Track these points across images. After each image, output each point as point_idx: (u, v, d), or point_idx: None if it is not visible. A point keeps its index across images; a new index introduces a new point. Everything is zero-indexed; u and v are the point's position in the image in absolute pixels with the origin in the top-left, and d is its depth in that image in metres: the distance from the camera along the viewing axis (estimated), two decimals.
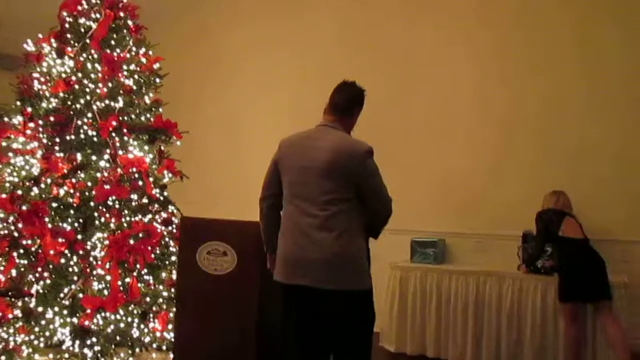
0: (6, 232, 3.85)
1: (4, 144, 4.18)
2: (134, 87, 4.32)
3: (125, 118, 4.23)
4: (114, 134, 4.10)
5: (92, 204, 3.93)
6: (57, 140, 4.07)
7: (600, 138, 4.76)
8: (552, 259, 4.34)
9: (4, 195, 3.92)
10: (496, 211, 5.02)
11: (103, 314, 3.76)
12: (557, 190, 4.33)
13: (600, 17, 4.86)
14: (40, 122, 4.11)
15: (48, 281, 3.81)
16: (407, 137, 5.42)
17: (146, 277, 4.13)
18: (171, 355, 3.58)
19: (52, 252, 3.73)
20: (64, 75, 4.14)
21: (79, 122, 4.11)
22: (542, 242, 4.24)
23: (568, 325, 4.06)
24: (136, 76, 4.35)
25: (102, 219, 3.96)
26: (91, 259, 3.90)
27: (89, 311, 3.69)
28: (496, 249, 4.96)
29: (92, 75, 4.16)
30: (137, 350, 3.96)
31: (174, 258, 4.15)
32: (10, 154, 4.15)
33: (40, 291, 3.77)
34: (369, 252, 2.63)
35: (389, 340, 4.66)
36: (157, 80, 4.50)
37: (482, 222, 5.08)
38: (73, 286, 3.84)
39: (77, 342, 3.68)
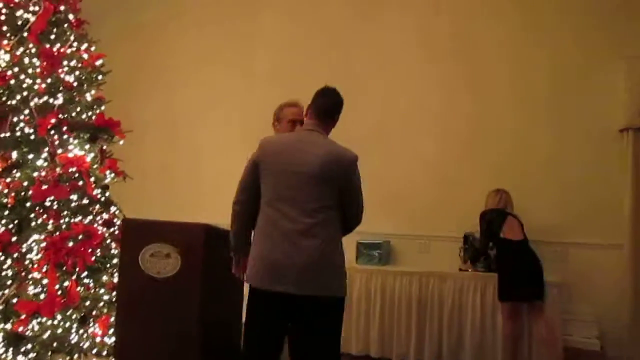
0: None
1: None
2: (75, 84, 4.18)
3: (65, 115, 4.08)
4: (52, 132, 3.94)
5: (28, 204, 3.77)
6: None
7: (537, 140, 4.97)
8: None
9: None
10: (440, 213, 5.16)
11: (39, 319, 3.61)
12: (499, 188, 4.49)
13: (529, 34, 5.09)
14: None
15: None
16: (357, 139, 5.45)
17: (86, 280, 3.99)
18: None
19: None
20: None
21: (15, 119, 3.93)
22: (486, 241, 4.40)
23: (506, 323, 4.22)
24: (77, 72, 4.20)
25: (39, 220, 3.80)
26: (27, 261, 3.73)
27: (23, 316, 3.54)
28: (440, 250, 5.09)
29: (30, 70, 3.98)
30: (76, 356, 3.82)
31: (115, 260, 4.03)
32: None
33: None
34: None
35: (349, 344, 4.70)
36: (100, 77, 4.37)
37: (426, 224, 5.20)
38: (6, 291, 3.67)
39: (11, 349, 3.52)
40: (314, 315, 2.52)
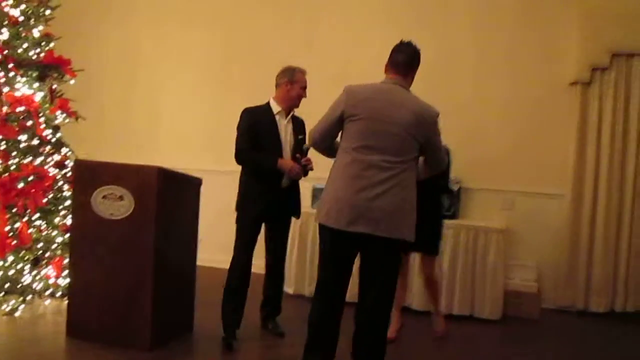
0: None
1: None
2: (21, 19, 4.00)
3: (11, 52, 3.93)
4: None
5: None
6: None
7: (495, 90, 5.07)
8: None
9: None
10: None
11: None
12: None
13: None
14: None
15: None
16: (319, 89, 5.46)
17: (38, 222, 3.96)
18: (66, 302, 3.51)
19: None
20: None
21: None
22: None
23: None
24: (23, 6, 4.01)
25: None
26: None
27: None
28: None
29: None
30: (29, 297, 3.84)
31: (68, 202, 4.00)
32: None
33: None
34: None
35: (288, 283, 4.83)
36: (47, 12, 4.19)
37: None
38: None
39: None
40: (385, 255, 2.72)
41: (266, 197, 3.53)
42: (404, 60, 2.78)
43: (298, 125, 3.69)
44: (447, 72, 5.13)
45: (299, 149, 3.57)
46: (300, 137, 3.62)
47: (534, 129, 4.99)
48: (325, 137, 2.83)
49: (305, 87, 3.62)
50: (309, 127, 2.97)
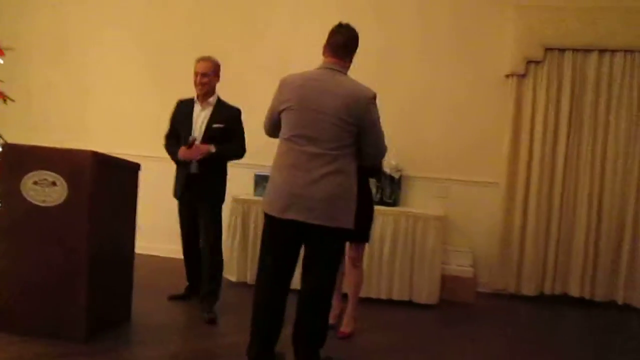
0: None
1: None
2: None
3: None
4: None
5: None
6: None
7: (438, 81, 5.17)
8: None
9: None
10: None
11: None
12: None
13: None
14: None
15: None
16: (255, 80, 5.40)
17: None
18: None
19: None
20: None
21: None
22: None
23: None
24: None
25: None
26: None
27: None
28: None
29: None
30: None
31: None
32: None
33: None
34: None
35: (230, 271, 4.78)
36: None
37: None
38: None
39: None
40: (322, 243, 2.74)
41: (181, 182, 3.84)
42: (342, 42, 2.75)
43: (223, 114, 3.76)
44: (390, 64, 5.19)
45: (212, 136, 3.73)
46: (215, 125, 3.73)
47: (471, 119, 5.13)
48: (272, 129, 2.88)
49: (198, 74, 3.75)
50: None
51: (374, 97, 2.71)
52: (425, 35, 5.20)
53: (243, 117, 3.88)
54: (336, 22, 2.83)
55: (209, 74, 3.75)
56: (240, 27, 5.49)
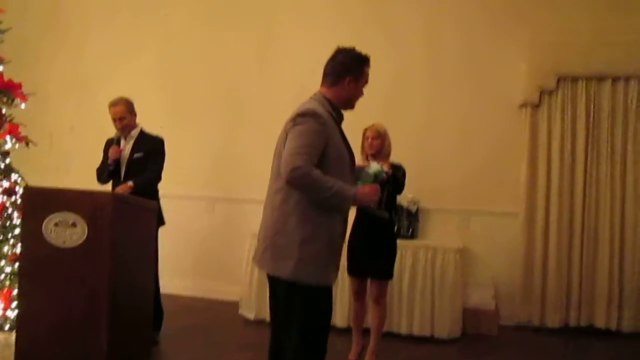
0: None
1: None
2: None
3: None
4: None
5: None
6: None
7: (448, 113, 5.19)
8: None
9: None
10: None
11: None
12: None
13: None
14: None
15: None
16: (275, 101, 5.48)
17: None
18: (14, 334, 3.35)
19: None
20: None
21: None
22: None
23: (353, 300, 3.91)
24: None
25: None
26: None
27: None
28: None
29: None
30: None
31: (18, 231, 3.86)
32: None
33: None
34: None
35: (248, 308, 4.77)
36: None
37: None
38: None
39: None
40: (274, 299, 2.41)
41: None
42: (327, 70, 2.46)
43: (145, 144, 4.03)
44: (401, 94, 5.24)
45: (134, 165, 3.97)
46: (136, 155, 3.97)
47: (487, 150, 5.12)
48: None
49: (115, 119, 4.02)
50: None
51: (304, 113, 2.27)
52: (435, 67, 5.24)
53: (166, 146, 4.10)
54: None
55: (125, 116, 4.01)
56: (255, 62, 5.60)
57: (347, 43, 2.50)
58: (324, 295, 2.33)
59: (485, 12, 5.18)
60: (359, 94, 2.49)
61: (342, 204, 2.29)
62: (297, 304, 2.26)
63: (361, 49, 2.54)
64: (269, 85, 5.56)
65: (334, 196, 2.22)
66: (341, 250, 2.44)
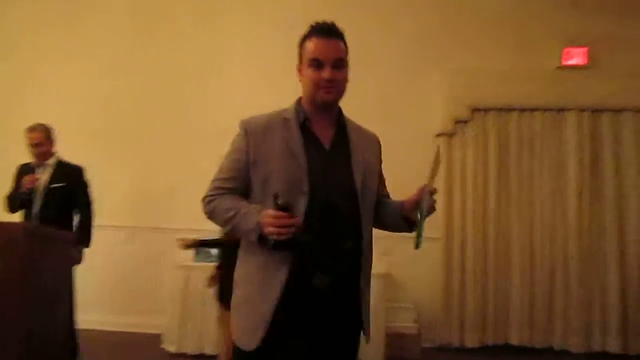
0: None
1: None
2: None
3: None
4: None
5: None
6: None
7: None
8: None
9: None
10: None
11: None
12: None
13: None
14: None
15: None
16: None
17: None
18: None
19: None
20: None
21: None
22: None
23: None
24: None
25: None
26: None
27: None
28: None
29: None
30: None
31: None
32: None
33: None
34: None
35: (170, 341, 4.60)
36: None
37: None
38: None
39: None
40: None
41: None
42: None
43: (66, 175, 3.86)
44: None
45: (52, 196, 3.81)
46: (55, 185, 3.81)
47: (406, 177, 5.26)
48: None
49: (32, 145, 3.84)
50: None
51: (240, 126, 1.92)
52: (353, 103, 5.37)
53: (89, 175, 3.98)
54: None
55: (43, 143, 3.86)
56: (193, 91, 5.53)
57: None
58: None
59: (400, 45, 5.45)
60: (313, 79, 1.95)
61: (247, 236, 1.78)
62: None
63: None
64: (191, 114, 5.50)
65: (236, 226, 1.78)
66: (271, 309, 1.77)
